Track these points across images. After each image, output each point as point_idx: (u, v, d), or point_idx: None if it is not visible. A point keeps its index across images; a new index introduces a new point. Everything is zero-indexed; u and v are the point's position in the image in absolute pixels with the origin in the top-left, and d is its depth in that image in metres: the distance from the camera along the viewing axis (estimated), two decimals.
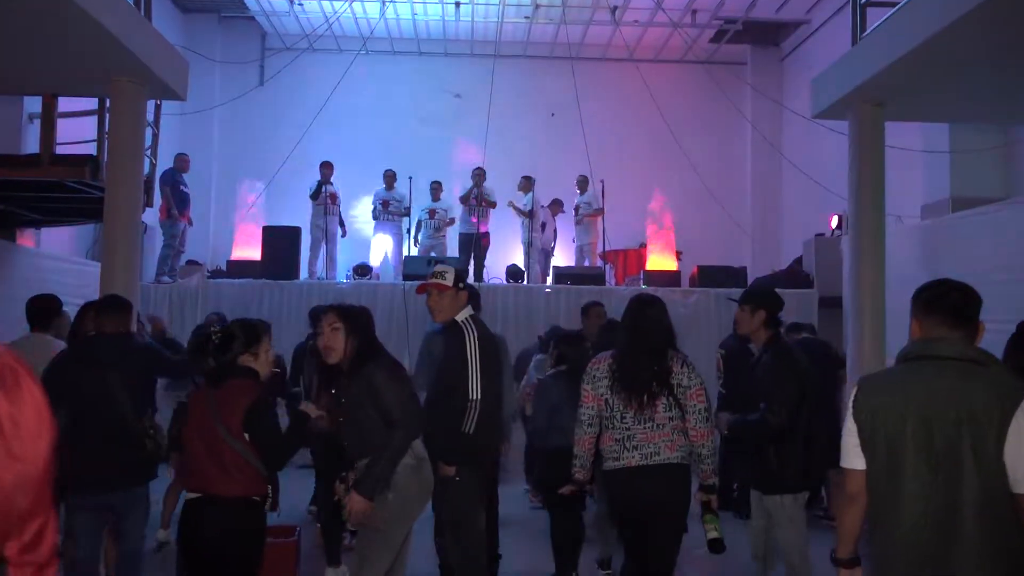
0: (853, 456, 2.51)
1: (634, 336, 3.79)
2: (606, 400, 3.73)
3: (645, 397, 3.66)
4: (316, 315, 3.61)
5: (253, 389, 3.25)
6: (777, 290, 5.09)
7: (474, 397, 3.90)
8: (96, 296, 5.16)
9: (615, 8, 12.26)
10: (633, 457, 3.66)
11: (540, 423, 5.07)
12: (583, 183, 11.92)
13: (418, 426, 3.52)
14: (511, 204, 11.78)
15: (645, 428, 3.67)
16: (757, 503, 4.22)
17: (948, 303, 2.43)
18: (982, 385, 2.30)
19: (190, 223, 10.59)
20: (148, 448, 4.02)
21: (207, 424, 3.17)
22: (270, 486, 3.28)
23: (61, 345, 4.45)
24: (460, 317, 4.09)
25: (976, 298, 2.46)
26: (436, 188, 11.67)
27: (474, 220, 11.31)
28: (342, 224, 11.47)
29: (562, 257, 12.29)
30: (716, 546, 3.73)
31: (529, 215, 11.41)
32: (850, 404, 2.53)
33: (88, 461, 3.77)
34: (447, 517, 4.20)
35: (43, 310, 4.74)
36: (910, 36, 4.46)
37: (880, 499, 2.45)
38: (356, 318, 3.59)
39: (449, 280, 4.06)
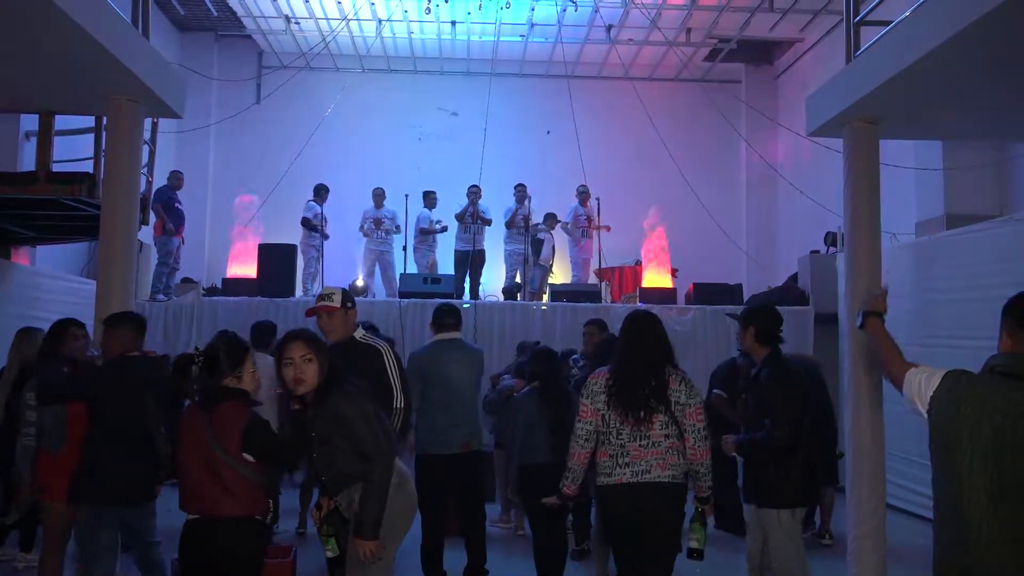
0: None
1: (630, 350, 3.77)
2: (603, 415, 3.70)
3: (642, 413, 3.63)
4: (281, 341, 3.36)
5: (245, 410, 3.25)
6: None
7: (398, 406, 4.27)
8: (92, 315, 5.14)
9: (610, 27, 12.33)
10: (624, 474, 3.64)
11: (518, 440, 5.09)
12: (586, 194, 11.83)
13: (392, 453, 3.42)
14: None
15: (640, 445, 3.64)
16: (754, 520, 4.19)
17: None
18: None
19: (182, 241, 10.58)
20: (166, 471, 4.07)
21: (204, 448, 3.15)
22: (271, 500, 3.27)
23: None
24: (359, 335, 4.34)
25: None
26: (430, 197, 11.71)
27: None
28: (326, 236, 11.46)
29: (560, 274, 12.28)
30: (693, 555, 3.78)
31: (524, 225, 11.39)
32: (928, 394, 2.58)
33: (112, 477, 3.95)
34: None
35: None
36: (904, 54, 4.49)
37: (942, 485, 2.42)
38: (323, 346, 3.43)
39: (337, 301, 4.26)
